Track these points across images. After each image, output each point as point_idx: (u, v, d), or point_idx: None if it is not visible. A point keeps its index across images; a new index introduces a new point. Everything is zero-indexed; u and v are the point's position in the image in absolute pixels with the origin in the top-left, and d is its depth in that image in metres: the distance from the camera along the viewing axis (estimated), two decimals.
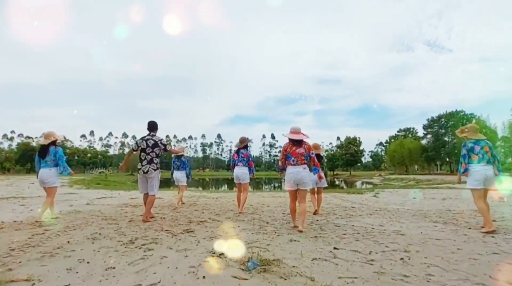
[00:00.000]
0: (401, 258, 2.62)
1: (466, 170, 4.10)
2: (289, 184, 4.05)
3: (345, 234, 3.72)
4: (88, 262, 2.50)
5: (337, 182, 49.41)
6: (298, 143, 4.03)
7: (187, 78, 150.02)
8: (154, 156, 4.59)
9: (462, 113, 49.45)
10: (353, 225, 4.40)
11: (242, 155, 5.71)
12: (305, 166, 3.99)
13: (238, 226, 4.24)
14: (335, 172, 75.26)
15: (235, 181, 5.77)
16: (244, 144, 5.81)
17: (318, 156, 5.40)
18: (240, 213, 5.45)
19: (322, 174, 5.33)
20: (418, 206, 7.06)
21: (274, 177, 74.79)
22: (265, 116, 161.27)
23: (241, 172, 5.64)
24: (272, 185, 44.69)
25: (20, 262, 2.47)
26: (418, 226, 4.38)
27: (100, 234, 3.55)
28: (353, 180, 49.30)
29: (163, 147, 4.71)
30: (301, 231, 3.76)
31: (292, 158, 4.00)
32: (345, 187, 38.33)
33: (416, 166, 66.01)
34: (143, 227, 4.03)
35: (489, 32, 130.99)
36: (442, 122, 52.42)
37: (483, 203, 3.98)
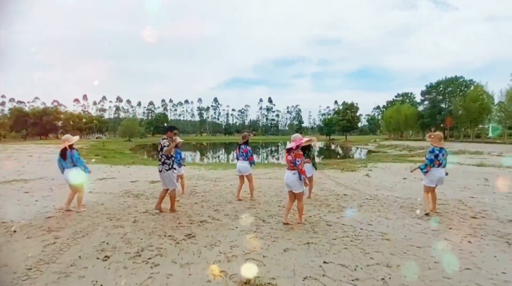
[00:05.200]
0: (383, 278, 2.92)
1: (427, 171, 5.24)
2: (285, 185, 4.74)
3: (335, 239, 4.02)
4: (101, 285, 2.76)
5: (333, 147, 50.52)
6: (288, 151, 4.60)
7: (183, 40, 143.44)
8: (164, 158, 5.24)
9: (462, 79, 48.90)
10: (343, 224, 4.72)
11: (242, 151, 6.36)
12: (295, 171, 4.47)
13: (236, 227, 4.53)
14: (331, 137, 76.26)
15: (237, 173, 6.53)
16: (244, 140, 6.44)
17: (308, 147, 6.10)
18: (251, 199, 6.39)
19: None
20: (407, 191, 7.42)
21: (271, 141, 75.81)
22: (263, 79, 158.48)
23: (242, 166, 6.37)
24: (269, 149, 45.61)
25: None
26: (403, 224, 4.70)
27: (107, 243, 3.81)
28: (349, 146, 50.25)
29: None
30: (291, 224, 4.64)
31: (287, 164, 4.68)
32: (340, 151, 39.36)
33: (410, 131, 66.95)
34: (148, 231, 4.31)
35: None
36: (440, 89, 52.03)
37: (428, 196, 5.34)
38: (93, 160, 17.16)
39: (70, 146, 5.43)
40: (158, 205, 5.38)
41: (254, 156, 6.65)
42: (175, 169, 5.35)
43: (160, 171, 5.26)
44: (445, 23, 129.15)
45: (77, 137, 5.75)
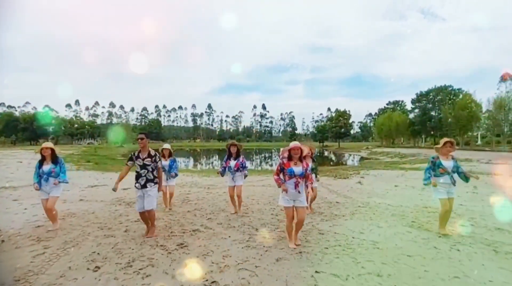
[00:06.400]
0: None
1: None
2: None
3: (327, 248, 4.05)
4: None
5: (326, 154, 50.85)
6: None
7: (177, 45, 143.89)
8: None
9: (451, 88, 50.07)
10: (335, 233, 4.76)
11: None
12: None
13: (229, 236, 4.52)
14: (324, 144, 76.85)
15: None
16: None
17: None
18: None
19: None
20: (398, 199, 7.50)
21: (265, 147, 75.85)
22: (256, 85, 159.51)
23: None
24: (262, 155, 45.63)
25: None
26: (394, 233, 4.76)
27: (98, 254, 3.76)
28: (342, 153, 50.68)
29: None
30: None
31: None
32: (333, 158, 39.67)
33: (402, 139, 67.94)
34: (139, 241, 4.26)
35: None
36: (430, 97, 53.18)
37: None
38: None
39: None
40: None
41: (248, 162, 6.49)
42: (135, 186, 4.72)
43: None
44: (434, 33, 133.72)
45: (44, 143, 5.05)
